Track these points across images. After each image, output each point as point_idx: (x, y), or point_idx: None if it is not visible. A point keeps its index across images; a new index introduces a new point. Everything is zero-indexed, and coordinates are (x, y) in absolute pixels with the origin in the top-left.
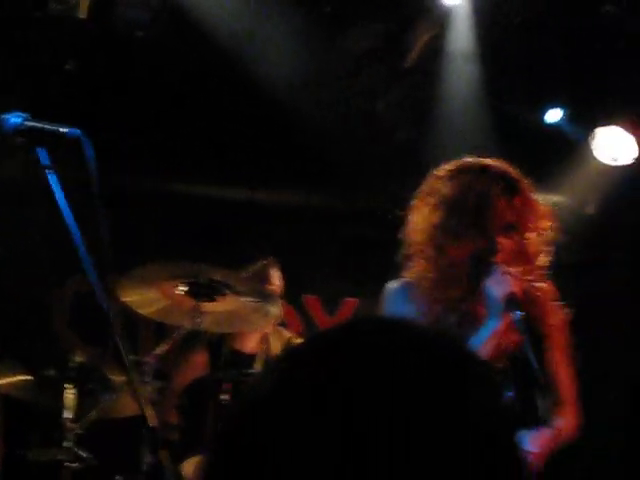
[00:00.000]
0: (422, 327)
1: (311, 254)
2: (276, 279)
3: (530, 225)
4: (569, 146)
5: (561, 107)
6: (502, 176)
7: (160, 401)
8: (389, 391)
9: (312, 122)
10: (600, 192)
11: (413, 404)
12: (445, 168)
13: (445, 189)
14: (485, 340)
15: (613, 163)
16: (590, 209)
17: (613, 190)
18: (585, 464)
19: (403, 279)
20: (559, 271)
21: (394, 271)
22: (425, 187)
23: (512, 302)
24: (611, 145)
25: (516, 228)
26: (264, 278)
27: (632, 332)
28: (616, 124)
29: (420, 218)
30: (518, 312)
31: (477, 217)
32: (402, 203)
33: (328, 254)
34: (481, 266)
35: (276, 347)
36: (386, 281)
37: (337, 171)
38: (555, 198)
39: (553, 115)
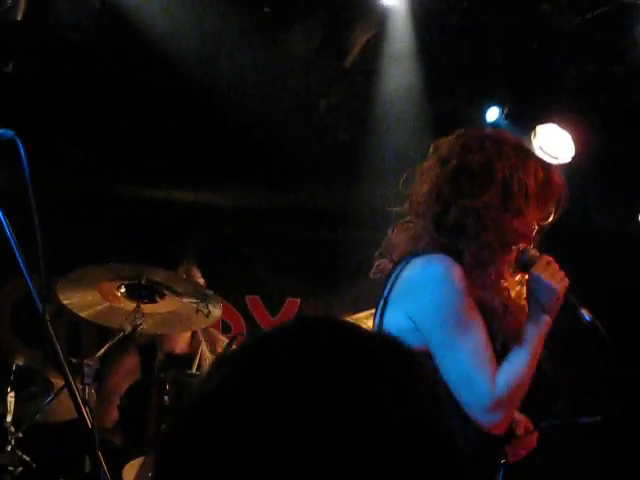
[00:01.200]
0: (356, 327)
1: (253, 254)
2: (197, 278)
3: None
4: None
5: (499, 105)
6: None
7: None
8: (317, 388)
9: (253, 123)
10: None
11: (339, 400)
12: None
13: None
14: (540, 338)
15: (554, 162)
16: None
17: None
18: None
19: (449, 257)
20: None
21: (336, 270)
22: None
23: (570, 299)
24: (551, 143)
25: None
26: (189, 277)
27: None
28: (554, 122)
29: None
30: (586, 315)
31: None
32: (344, 202)
33: (270, 254)
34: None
35: (206, 348)
36: (328, 280)
37: (279, 171)
38: None
39: (492, 114)
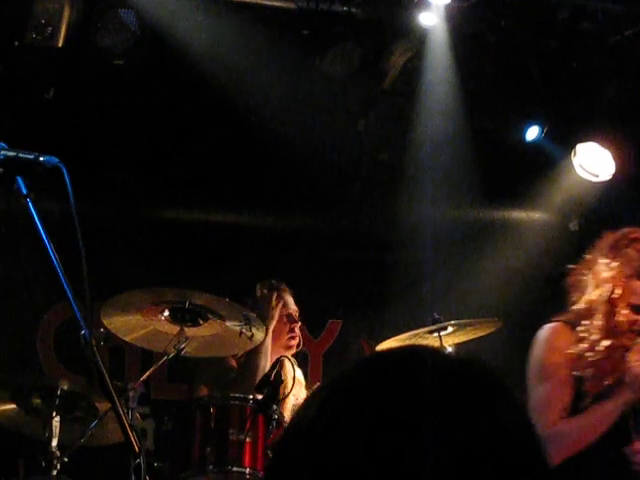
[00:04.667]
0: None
1: (295, 276)
2: (291, 304)
3: None
4: (550, 163)
5: (540, 124)
6: None
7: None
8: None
9: (293, 146)
10: (583, 208)
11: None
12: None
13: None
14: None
15: (594, 179)
16: (574, 225)
17: (595, 206)
18: None
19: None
20: (544, 287)
21: (378, 292)
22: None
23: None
24: (591, 161)
25: None
26: (268, 303)
27: None
28: (594, 140)
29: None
30: None
31: None
32: (385, 223)
33: (311, 276)
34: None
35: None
36: (370, 302)
37: (321, 193)
38: (538, 215)
39: (532, 133)
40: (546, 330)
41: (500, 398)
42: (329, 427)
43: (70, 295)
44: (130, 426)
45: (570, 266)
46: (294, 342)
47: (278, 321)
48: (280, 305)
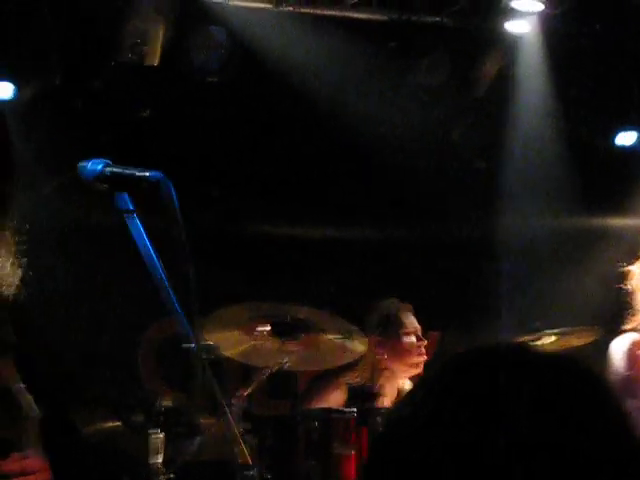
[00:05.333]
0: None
1: (392, 288)
2: (414, 322)
3: None
4: None
5: (637, 129)
6: None
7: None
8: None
9: (386, 158)
10: None
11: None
12: None
13: None
14: None
15: None
16: None
17: None
18: None
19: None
20: None
21: (477, 302)
22: None
23: None
24: None
25: None
26: (394, 322)
27: None
28: None
29: None
30: None
31: None
32: (483, 231)
33: (407, 286)
34: None
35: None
36: (469, 313)
37: (416, 204)
38: (636, 221)
39: (629, 138)
40: (622, 342)
41: (599, 396)
42: (432, 418)
43: (178, 309)
44: (241, 438)
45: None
46: (422, 359)
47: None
48: (407, 323)
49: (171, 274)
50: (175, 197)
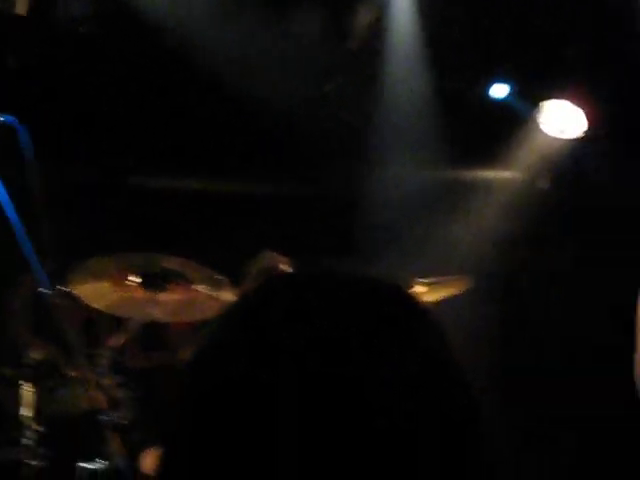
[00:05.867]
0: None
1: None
2: (283, 263)
3: None
4: (519, 122)
5: (508, 82)
6: None
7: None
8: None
9: (260, 109)
10: (551, 166)
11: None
12: None
13: None
14: None
15: (564, 137)
16: (543, 183)
17: (565, 163)
18: None
19: None
20: (514, 245)
21: (348, 256)
22: None
23: None
24: (559, 118)
25: None
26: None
27: (580, 304)
28: (564, 98)
29: None
30: None
31: None
32: (352, 185)
33: (280, 240)
34: None
35: None
36: (341, 265)
37: (286, 156)
38: (508, 174)
39: (499, 90)
40: None
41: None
42: (225, 347)
43: (36, 263)
44: (100, 385)
45: None
46: None
47: None
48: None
49: (31, 225)
50: (26, 141)
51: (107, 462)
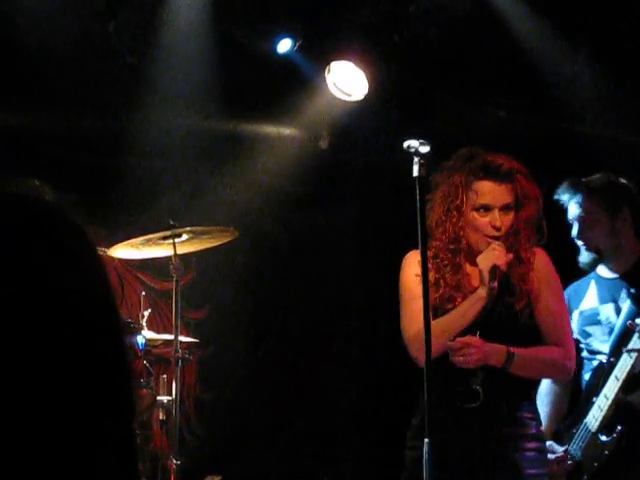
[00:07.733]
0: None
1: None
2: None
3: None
4: (302, 79)
5: (292, 38)
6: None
7: None
8: None
9: (36, 45)
10: (334, 127)
11: None
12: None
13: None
14: (471, 304)
15: (347, 98)
16: (323, 143)
17: (346, 125)
18: None
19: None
20: (291, 204)
21: (117, 198)
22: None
23: (493, 273)
24: (344, 80)
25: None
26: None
27: (358, 265)
28: (348, 59)
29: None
30: (492, 284)
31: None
32: (127, 129)
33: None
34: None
35: None
36: (109, 208)
37: (62, 94)
38: (289, 131)
39: (284, 45)
40: (406, 256)
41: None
42: None
43: None
44: None
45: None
46: None
47: None
48: None
49: None
50: None
51: None
